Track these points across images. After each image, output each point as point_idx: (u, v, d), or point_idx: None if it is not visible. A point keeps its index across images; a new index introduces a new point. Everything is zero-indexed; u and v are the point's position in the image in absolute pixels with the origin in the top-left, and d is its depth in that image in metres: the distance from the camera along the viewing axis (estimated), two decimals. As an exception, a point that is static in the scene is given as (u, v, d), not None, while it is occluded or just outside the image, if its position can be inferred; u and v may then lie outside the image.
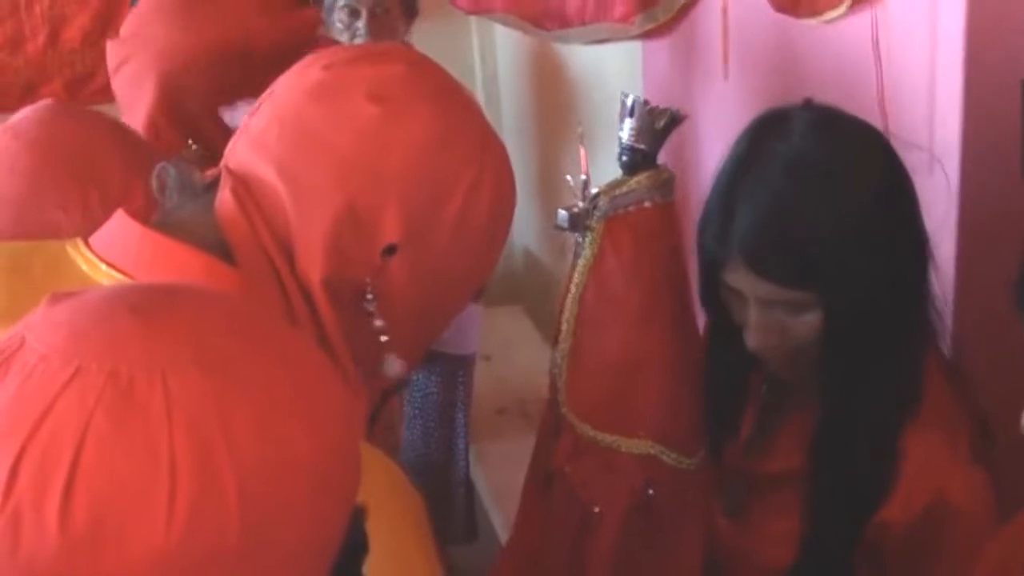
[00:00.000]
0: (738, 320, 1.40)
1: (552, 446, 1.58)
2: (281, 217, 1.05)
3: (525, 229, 4.22)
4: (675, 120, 1.46)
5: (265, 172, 1.05)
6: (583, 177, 1.48)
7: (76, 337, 0.67)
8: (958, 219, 1.63)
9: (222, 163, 1.10)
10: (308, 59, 1.12)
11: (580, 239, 1.50)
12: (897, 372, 1.37)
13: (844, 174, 1.33)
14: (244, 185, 1.06)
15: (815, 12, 1.87)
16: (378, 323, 1.09)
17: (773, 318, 1.36)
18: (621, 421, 1.50)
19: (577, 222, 1.49)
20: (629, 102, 1.45)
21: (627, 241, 1.48)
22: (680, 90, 2.64)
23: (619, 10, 2.75)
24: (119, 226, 1.09)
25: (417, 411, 2.99)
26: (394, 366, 1.14)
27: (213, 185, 1.09)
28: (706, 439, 1.54)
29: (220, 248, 1.05)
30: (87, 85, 4.05)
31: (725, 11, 2.23)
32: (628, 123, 1.45)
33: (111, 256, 1.06)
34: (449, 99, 1.12)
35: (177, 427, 0.64)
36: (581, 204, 1.49)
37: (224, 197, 1.06)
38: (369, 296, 1.08)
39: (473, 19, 4.25)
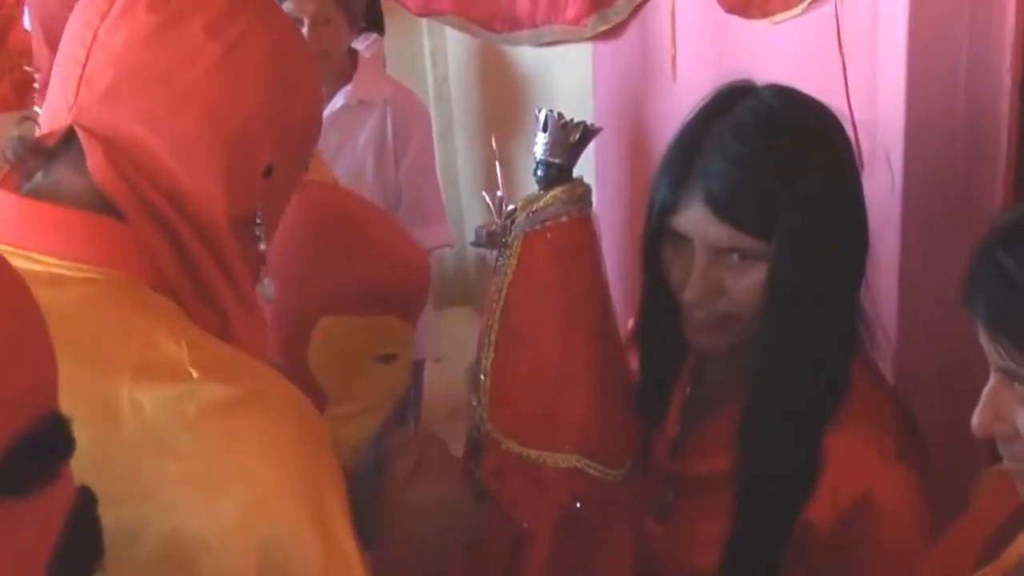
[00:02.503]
0: (676, 284, 1.40)
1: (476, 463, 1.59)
2: (163, 172, 1.07)
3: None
4: (589, 133, 1.45)
5: (133, 130, 1.07)
6: (499, 194, 1.49)
7: None
8: (901, 218, 1.65)
9: (70, 119, 1.09)
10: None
11: (499, 256, 1.50)
12: (824, 367, 1.38)
13: (813, 134, 1.36)
14: (113, 146, 1.06)
15: (767, 13, 1.89)
16: (262, 247, 1.15)
17: (715, 273, 1.37)
18: (546, 436, 1.50)
19: (494, 239, 1.49)
20: (542, 116, 1.44)
21: (546, 256, 1.47)
22: (630, 91, 2.66)
23: (571, 12, 2.76)
24: None
25: None
26: (269, 288, 1.19)
27: (65, 144, 1.09)
28: (635, 443, 1.54)
29: (105, 208, 1.06)
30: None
31: (673, 13, 2.25)
32: (542, 137, 1.45)
33: None
34: (272, 11, 1.17)
35: None
36: (498, 221, 1.49)
37: (97, 161, 1.06)
38: (258, 221, 1.13)
39: (424, 21, 4.25)
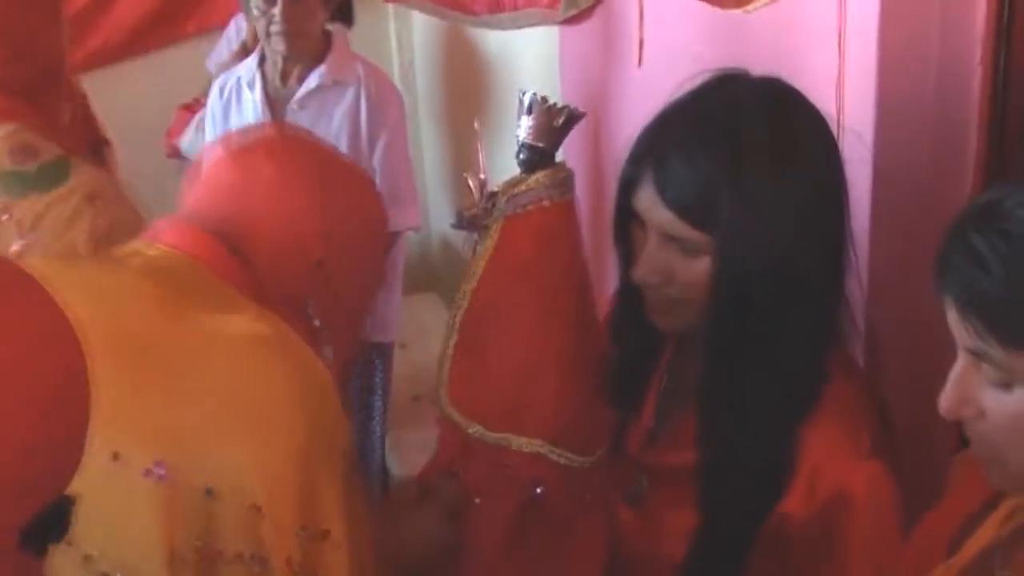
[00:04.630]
0: (634, 262, 1.40)
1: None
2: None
3: (441, 217, 4.21)
4: (573, 117, 1.45)
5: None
6: (481, 176, 1.48)
7: None
8: (871, 210, 1.65)
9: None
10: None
11: (477, 238, 1.50)
12: (784, 361, 1.37)
13: (778, 131, 1.33)
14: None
15: (740, 3, 1.87)
16: (316, 322, 1.33)
17: (664, 256, 1.36)
18: (512, 420, 1.49)
19: (475, 222, 1.49)
20: (527, 100, 1.43)
21: (526, 240, 1.47)
22: (596, 76, 2.65)
23: (546, -4, 2.78)
24: None
25: None
26: (327, 353, 1.36)
27: None
28: (609, 432, 1.54)
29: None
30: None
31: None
32: (525, 121, 1.44)
33: None
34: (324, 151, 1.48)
35: None
36: (479, 203, 1.48)
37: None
38: (309, 303, 1.33)
39: (391, 7, 4.23)
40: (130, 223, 1.76)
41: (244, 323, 1.22)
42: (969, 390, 1.02)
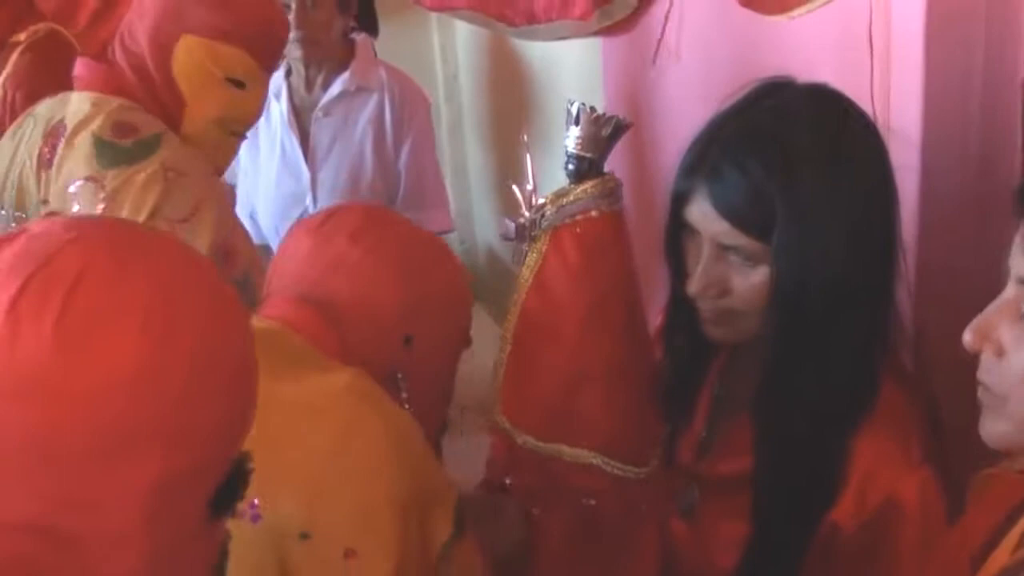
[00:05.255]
0: (687, 275, 1.40)
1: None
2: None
3: (486, 227, 4.22)
4: (621, 127, 1.45)
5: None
6: (529, 186, 1.48)
7: (73, 220, 0.88)
8: (918, 214, 1.63)
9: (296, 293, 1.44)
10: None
11: (526, 249, 1.50)
12: (838, 371, 1.36)
13: (827, 140, 1.33)
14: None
15: (784, 9, 1.86)
16: (404, 395, 1.42)
17: (719, 269, 1.36)
18: (564, 430, 1.50)
19: (523, 232, 1.49)
20: (574, 110, 1.44)
21: (573, 251, 1.47)
22: (639, 85, 2.64)
23: (579, 8, 2.76)
24: None
25: None
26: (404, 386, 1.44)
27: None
28: (661, 442, 1.53)
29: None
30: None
31: (675, 7, 2.25)
32: (573, 131, 1.45)
33: None
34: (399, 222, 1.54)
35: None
36: (527, 214, 1.48)
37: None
38: (400, 376, 1.41)
39: (434, 17, 4.24)
40: (189, 199, 1.89)
41: (343, 380, 1.30)
42: (998, 327, 1.01)
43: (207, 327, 0.85)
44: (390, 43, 3.74)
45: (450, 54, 4.46)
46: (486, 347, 1.59)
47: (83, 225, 0.87)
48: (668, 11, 2.25)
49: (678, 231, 1.40)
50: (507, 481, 1.56)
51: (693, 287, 1.38)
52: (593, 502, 1.49)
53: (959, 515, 1.26)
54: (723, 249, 1.35)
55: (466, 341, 1.53)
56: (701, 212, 1.34)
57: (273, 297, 1.45)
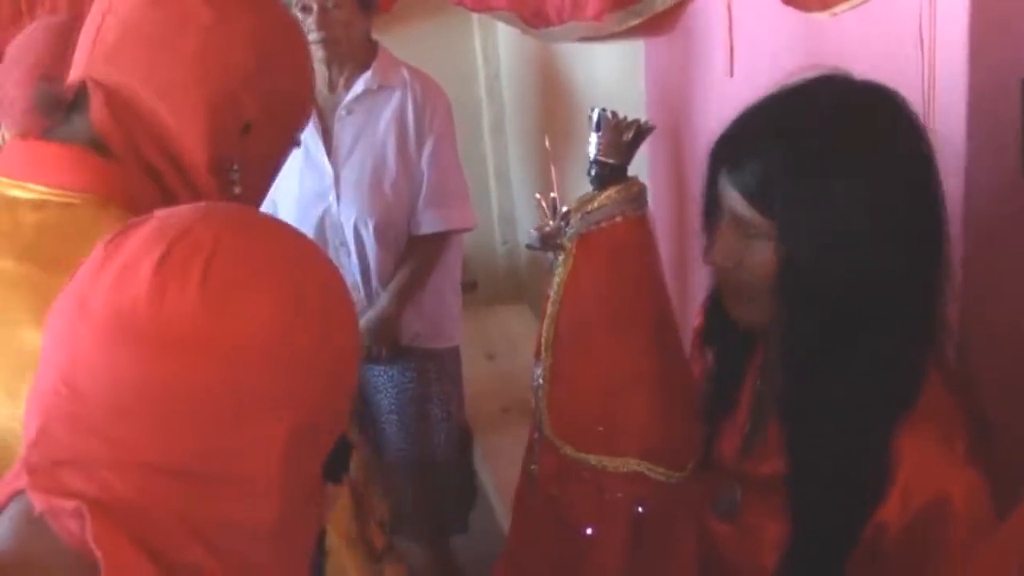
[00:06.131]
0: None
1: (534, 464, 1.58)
2: (153, 118, 1.28)
3: (529, 227, 4.22)
4: (643, 131, 1.44)
5: (130, 80, 1.28)
6: (553, 195, 1.48)
7: (199, 204, 0.95)
8: (963, 214, 1.62)
9: (82, 74, 1.29)
10: None
11: (554, 258, 1.50)
12: (883, 367, 1.33)
13: (853, 132, 1.31)
14: (113, 94, 1.28)
15: (826, 5, 1.85)
16: (236, 190, 1.34)
17: (735, 239, 1.35)
18: (605, 440, 1.49)
19: (549, 241, 1.49)
20: (595, 116, 1.43)
21: (601, 258, 1.47)
22: (682, 87, 2.64)
23: (591, 9, 2.75)
24: (10, 146, 1.34)
25: (392, 406, 2.99)
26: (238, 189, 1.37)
27: (82, 96, 1.29)
28: (701, 443, 1.52)
29: (101, 148, 1.28)
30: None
31: (730, 6, 2.23)
32: (595, 137, 1.44)
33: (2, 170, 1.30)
34: None
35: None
36: (552, 223, 1.48)
37: (98, 106, 1.27)
38: (235, 168, 1.33)
39: (476, 18, 4.25)
40: None
41: None
42: None
43: (326, 296, 0.92)
44: (431, 42, 3.76)
45: (492, 54, 4.48)
46: (528, 347, 1.59)
47: (209, 207, 0.95)
48: (730, 19, 2.24)
49: (713, 204, 1.41)
50: (553, 492, 1.56)
51: (710, 257, 1.38)
52: (641, 509, 1.49)
53: (1009, 517, 1.25)
54: (736, 220, 1.35)
55: (297, 141, 1.46)
56: (722, 181, 1.35)
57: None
